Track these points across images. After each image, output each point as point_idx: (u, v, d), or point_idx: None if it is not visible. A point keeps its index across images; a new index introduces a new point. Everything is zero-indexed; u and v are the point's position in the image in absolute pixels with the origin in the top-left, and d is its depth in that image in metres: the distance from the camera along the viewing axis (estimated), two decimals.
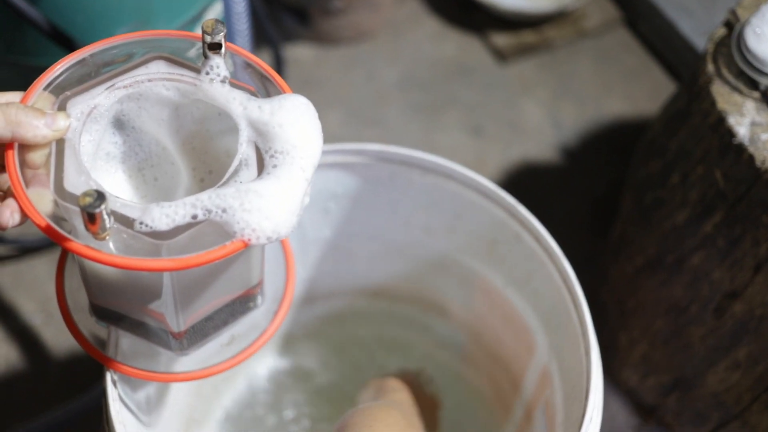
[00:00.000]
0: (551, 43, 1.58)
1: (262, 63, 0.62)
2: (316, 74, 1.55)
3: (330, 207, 0.93)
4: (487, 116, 1.51)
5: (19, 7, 0.92)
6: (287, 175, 0.56)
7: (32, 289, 1.30)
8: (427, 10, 1.65)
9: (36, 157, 0.55)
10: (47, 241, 1.30)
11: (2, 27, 1.04)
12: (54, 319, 1.26)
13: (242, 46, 0.89)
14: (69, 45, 1.01)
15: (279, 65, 1.35)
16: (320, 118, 0.62)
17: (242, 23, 0.85)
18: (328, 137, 1.47)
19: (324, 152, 0.90)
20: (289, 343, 1.05)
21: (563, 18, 1.60)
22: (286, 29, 1.57)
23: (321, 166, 0.90)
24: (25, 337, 1.25)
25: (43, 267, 1.31)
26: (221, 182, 0.56)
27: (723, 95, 0.90)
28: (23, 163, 0.55)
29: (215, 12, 1.21)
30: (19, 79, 0.60)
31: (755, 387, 0.98)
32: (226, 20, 0.87)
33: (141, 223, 0.54)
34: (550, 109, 1.52)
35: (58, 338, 1.25)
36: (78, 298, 0.73)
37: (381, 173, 0.89)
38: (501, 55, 1.57)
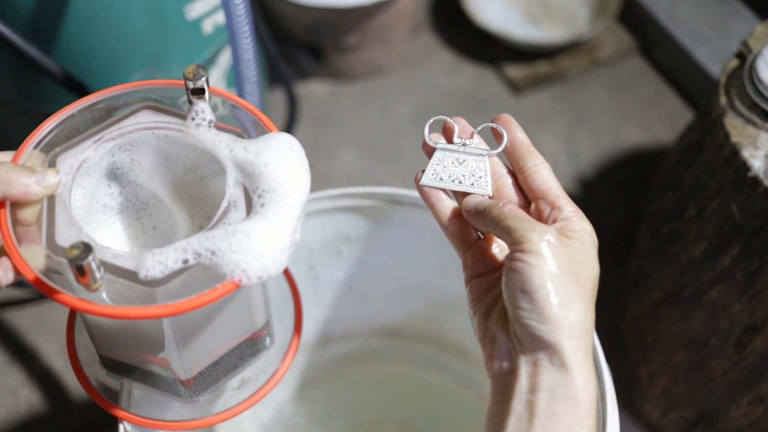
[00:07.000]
0: (565, 73, 1.58)
1: (247, 104, 0.62)
2: (331, 110, 1.55)
3: (343, 250, 0.93)
4: None
5: (33, 57, 0.93)
6: (275, 213, 0.56)
7: (54, 332, 1.30)
8: (440, 44, 1.65)
9: (27, 214, 0.56)
10: None
11: (17, 75, 1.06)
12: None
13: (252, 92, 0.90)
14: (82, 92, 1.02)
15: (292, 103, 1.36)
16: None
17: (251, 70, 0.86)
18: (344, 173, 1.48)
19: (335, 196, 0.90)
20: (305, 386, 1.04)
21: (577, 48, 1.60)
22: (300, 67, 1.58)
23: (332, 210, 0.90)
24: (46, 379, 1.26)
25: (65, 309, 1.31)
26: (210, 225, 0.56)
27: (736, 128, 0.89)
28: (15, 221, 0.55)
29: (228, 55, 1.22)
30: (35, 126, 0.61)
31: None
32: (235, 67, 0.88)
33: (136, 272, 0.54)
34: (566, 140, 1.52)
35: None
36: (91, 350, 0.73)
37: (392, 215, 0.89)
38: (515, 87, 1.57)
